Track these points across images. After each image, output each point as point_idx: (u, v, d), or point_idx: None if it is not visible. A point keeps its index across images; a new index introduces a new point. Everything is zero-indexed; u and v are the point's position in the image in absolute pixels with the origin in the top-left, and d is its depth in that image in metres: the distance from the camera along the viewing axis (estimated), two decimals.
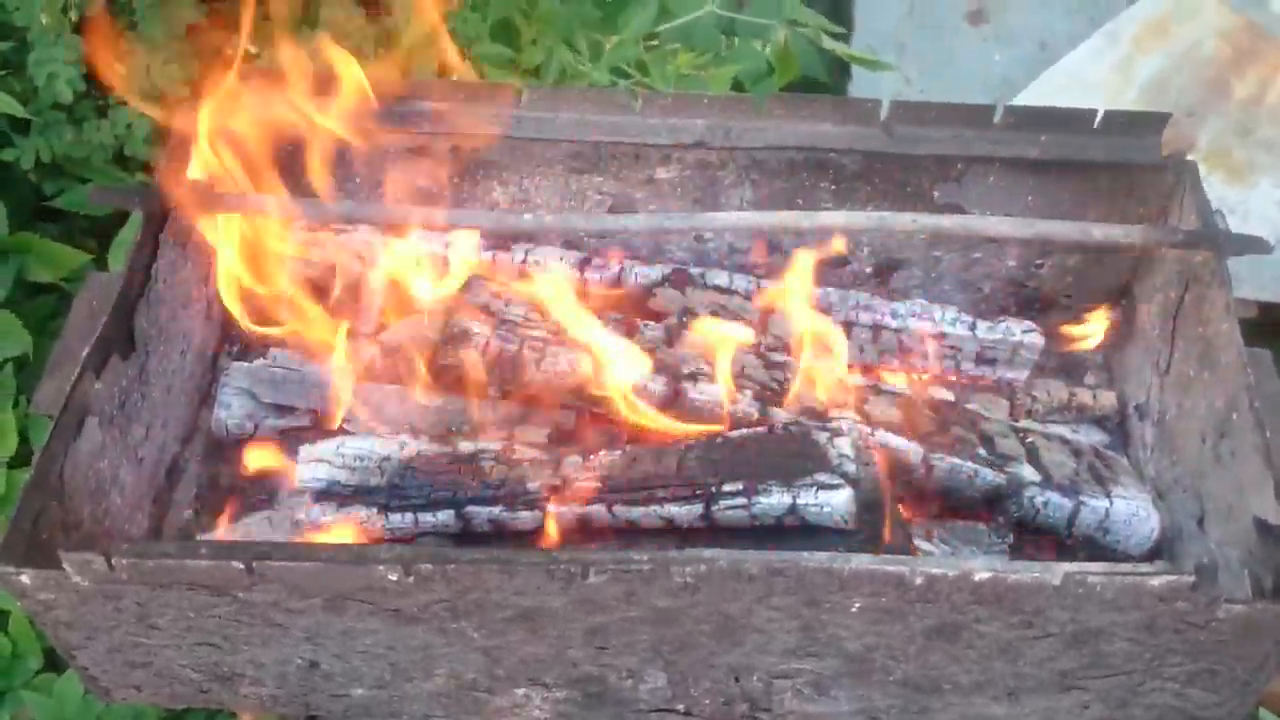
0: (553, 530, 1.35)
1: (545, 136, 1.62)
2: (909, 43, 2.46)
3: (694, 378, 1.47)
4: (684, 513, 1.33)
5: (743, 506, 1.32)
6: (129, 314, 1.41)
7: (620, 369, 1.45)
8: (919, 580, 1.17)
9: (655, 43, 2.22)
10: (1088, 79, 2.37)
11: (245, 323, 1.56)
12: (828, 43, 1.95)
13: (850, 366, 1.62)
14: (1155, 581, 1.17)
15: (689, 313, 1.62)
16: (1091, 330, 1.66)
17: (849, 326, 1.63)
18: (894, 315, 1.64)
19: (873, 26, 2.47)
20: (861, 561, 1.18)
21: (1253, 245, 1.45)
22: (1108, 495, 1.44)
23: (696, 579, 1.19)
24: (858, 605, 1.21)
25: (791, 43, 2.01)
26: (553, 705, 1.36)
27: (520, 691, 1.35)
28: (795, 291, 1.55)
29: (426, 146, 1.63)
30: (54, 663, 2.18)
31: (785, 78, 2.08)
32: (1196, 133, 2.31)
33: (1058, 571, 1.16)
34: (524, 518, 1.35)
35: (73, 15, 2.08)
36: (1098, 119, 1.57)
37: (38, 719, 2.09)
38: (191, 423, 1.60)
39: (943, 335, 1.63)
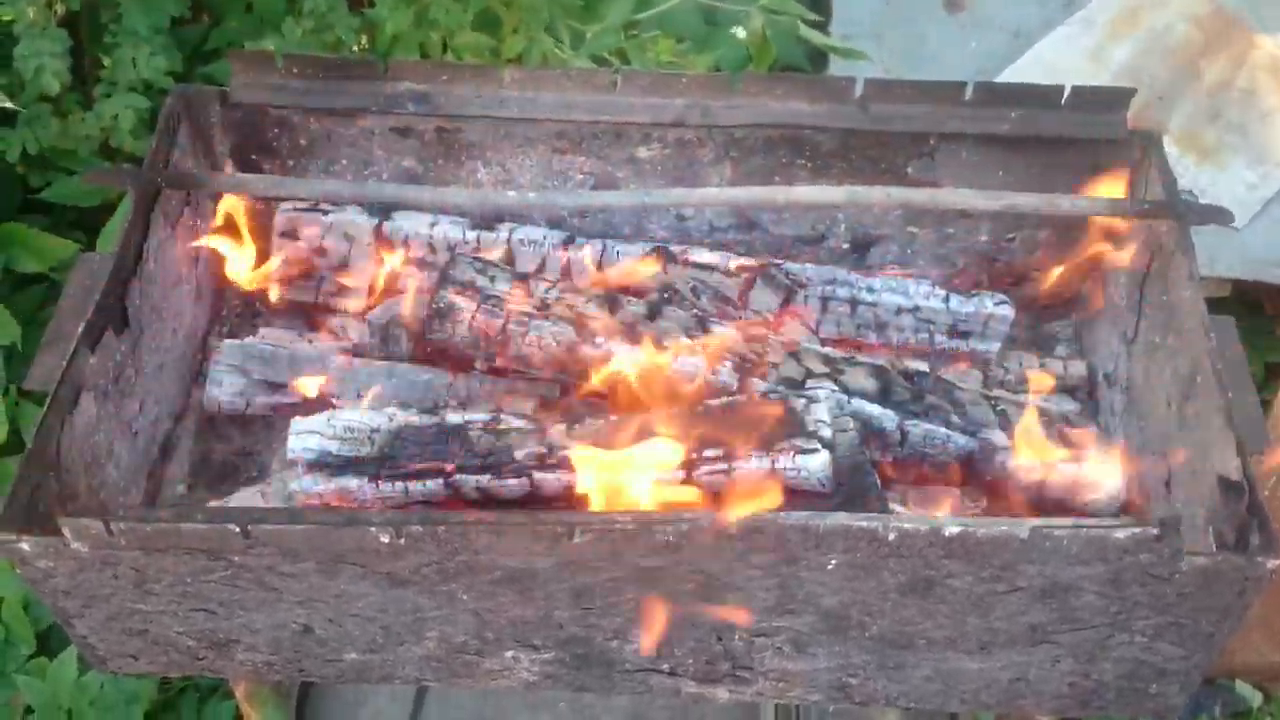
0: (539, 496, 1.38)
1: (528, 116, 1.65)
2: (885, 30, 2.50)
3: (675, 351, 1.51)
4: (667, 478, 1.37)
5: (723, 471, 1.36)
6: (122, 291, 1.44)
7: None
8: (891, 536, 1.22)
9: (635, 31, 2.26)
10: (1061, 66, 2.42)
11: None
12: (804, 31, 1.99)
13: (827, 340, 1.67)
14: (1120, 534, 1.21)
15: (670, 289, 1.66)
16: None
17: (825, 301, 1.68)
18: (870, 290, 1.69)
19: (849, 14, 2.51)
20: (836, 518, 1.22)
21: (1214, 215, 1.50)
22: (1076, 459, 1.48)
23: (678, 537, 1.23)
24: (833, 562, 1.25)
25: (769, 30, 2.06)
26: (541, 666, 1.40)
27: (509, 654, 1.39)
28: None
29: (411, 127, 1.67)
30: (46, 648, 2.21)
31: (762, 65, 2.13)
32: (1168, 117, 2.36)
33: (1025, 525, 1.21)
34: (511, 485, 1.38)
35: (59, 9, 2.11)
36: (1065, 95, 1.61)
37: (31, 703, 2.12)
38: (183, 400, 1.63)
39: (917, 309, 1.67)
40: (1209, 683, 2.41)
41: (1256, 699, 2.39)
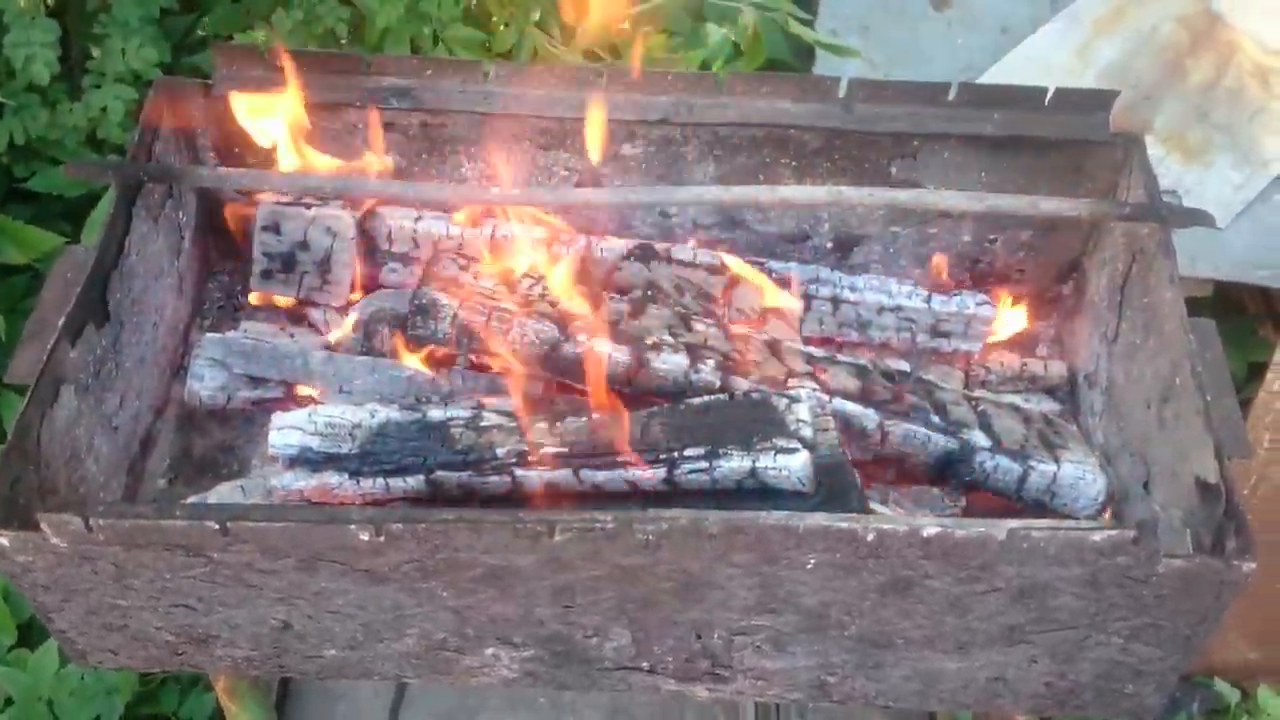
0: (520, 494, 1.39)
1: (512, 112, 1.65)
2: (873, 26, 2.50)
3: (657, 348, 1.51)
4: (648, 476, 1.37)
5: (704, 470, 1.36)
6: (103, 285, 1.44)
7: None
8: (870, 536, 1.22)
9: (626, 26, 2.26)
10: (1047, 63, 2.42)
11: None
12: (794, 27, 1.99)
13: (809, 339, 1.68)
14: (1097, 536, 1.22)
15: (654, 286, 1.66)
16: None
17: (809, 300, 1.68)
18: (852, 289, 1.69)
19: (837, 9, 2.51)
20: (816, 519, 1.22)
21: (1197, 218, 1.51)
22: (1056, 460, 1.48)
23: (659, 537, 1.23)
24: (813, 561, 1.25)
25: (758, 26, 2.06)
26: (521, 664, 1.40)
27: (489, 651, 1.39)
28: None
29: (395, 122, 1.66)
30: (27, 639, 2.21)
31: (754, 63, 2.13)
32: (1153, 116, 2.37)
33: (1003, 527, 1.21)
34: (493, 482, 1.38)
35: None
36: (1049, 96, 1.62)
37: (11, 693, 2.12)
38: (164, 395, 1.63)
39: (899, 308, 1.68)
40: (1187, 680, 2.43)
41: (1234, 696, 2.41)
